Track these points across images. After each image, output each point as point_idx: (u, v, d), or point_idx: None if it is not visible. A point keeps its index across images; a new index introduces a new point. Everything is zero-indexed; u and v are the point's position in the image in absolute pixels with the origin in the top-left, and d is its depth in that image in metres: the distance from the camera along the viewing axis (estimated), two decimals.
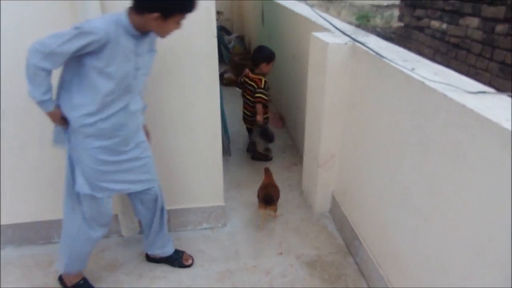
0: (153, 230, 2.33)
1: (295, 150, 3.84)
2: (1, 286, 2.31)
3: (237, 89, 3.77)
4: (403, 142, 1.87)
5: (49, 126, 1.92)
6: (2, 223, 2.53)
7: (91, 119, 1.80)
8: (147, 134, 2.20)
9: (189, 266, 2.45)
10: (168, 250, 2.44)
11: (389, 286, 2.05)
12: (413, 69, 1.80)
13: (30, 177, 2.45)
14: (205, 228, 2.78)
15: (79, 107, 1.79)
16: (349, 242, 2.56)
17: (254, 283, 2.34)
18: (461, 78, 1.71)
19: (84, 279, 2.25)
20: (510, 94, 1.50)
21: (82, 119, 1.80)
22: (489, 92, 1.52)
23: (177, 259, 2.46)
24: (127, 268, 2.45)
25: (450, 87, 1.57)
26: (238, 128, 4.18)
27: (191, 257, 2.50)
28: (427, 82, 1.64)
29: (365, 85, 2.26)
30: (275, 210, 2.79)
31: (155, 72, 2.27)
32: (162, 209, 2.30)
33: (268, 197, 2.69)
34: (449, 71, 1.81)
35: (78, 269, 2.21)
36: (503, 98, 1.49)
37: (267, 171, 2.93)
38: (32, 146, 2.36)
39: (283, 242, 2.66)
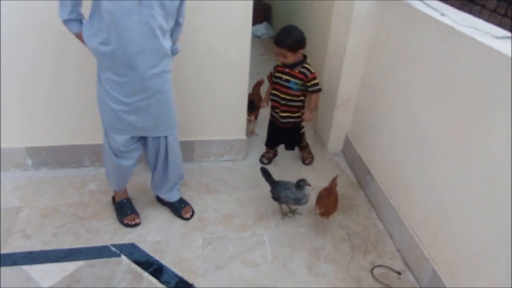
0: (156, 175, 2.40)
1: None
2: (38, 203, 2.50)
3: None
4: (426, 86, 2.04)
5: (87, 52, 2.00)
6: (36, 145, 2.69)
7: (104, 48, 1.85)
8: None
9: (187, 219, 2.47)
10: (171, 197, 2.48)
11: (399, 214, 2.30)
12: (443, 14, 1.94)
13: (65, 101, 2.59)
14: (226, 160, 2.99)
15: (95, 34, 1.85)
16: (361, 177, 2.80)
17: (274, 209, 2.58)
18: (486, 24, 1.87)
19: (128, 199, 2.48)
20: None
21: (97, 46, 1.86)
22: None
23: (178, 209, 2.49)
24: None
25: (478, 31, 1.73)
26: (255, 71, 4.29)
27: (192, 210, 2.52)
28: (456, 27, 1.79)
29: (390, 32, 2.40)
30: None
31: (193, 10, 2.36)
32: (166, 160, 2.30)
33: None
34: (474, 19, 1.96)
35: (118, 187, 2.42)
36: None
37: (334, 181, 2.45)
38: (70, 71, 2.48)
39: (299, 175, 2.86)
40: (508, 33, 1.72)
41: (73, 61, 2.44)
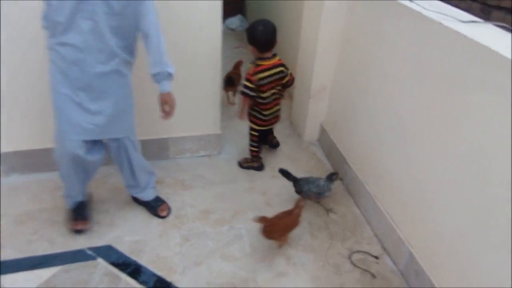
0: (125, 176, 2.36)
1: None
2: (11, 211, 2.41)
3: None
4: (398, 71, 2.05)
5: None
6: (4, 150, 2.59)
7: (51, 42, 1.85)
8: (166, 102, 2.11)
9: (163, 217, 2.44)
10: (146, 195, 2.44)
11: (376, 201, 2.32)
12: (411, 0, 1.94)
13: (32, 104, 2.49)
14: (202, 156, 2.95)
15: (47, 28, 1.85)
16: (338, 166, 2.81)
17: (252, 202, 2.57)
18: (452, 9, 1.88)
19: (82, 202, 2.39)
20: (495, 23, 1.68)
21: (48, 39, 1.86)
22: (478, 21, 1.70)
23: (154, 207, 2.46)
24: None
25: (445, 16, 1.74)
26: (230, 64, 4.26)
27: (168, 208, 2.48)
28: (424, 12, 1.79)
29: (362, 18, 2.39)
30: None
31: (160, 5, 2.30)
32: (130, 161, 2.26)
33: None
34: (442, 4, 1.97)
35: (81, 196, 2.36)
36: (490, 27, 1.67)
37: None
38: (35, 73, 2.38)
39: (276, 167, 2.86)
40: (473, 18, 1.73)
41: (38, 63, 2.35)
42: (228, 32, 5.27)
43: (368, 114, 2.41)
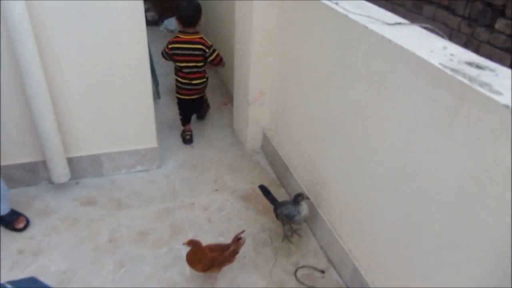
0: None
1: (225, 90, 3.87)
2: None
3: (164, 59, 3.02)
4: (329, 74, 1.98)
5: None
6: None
7: None
8: None
9: (21, 229, 2.28)
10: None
11: (319, 210, 2.23)
12: (336, 3, 1.86)
13: None
14: (140, 171, 2.78)
15: None
16: (281, 174, 2.72)
17: (192, 219, 2.43)
18: (379, 10, 1.82)
19: None
20: (421, 25, 1.63)
21: None
22: (404, 23, 1.64)
23: (10, 222, 2.29)
24: (61, 213, 2.41)
25: (370, 19, 1.66)
26: (166, 70, 4.09)
27: (25, 219, 2.32)
28: (350, 15, 1.72)
29: (292, 19, 2.31)
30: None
31: (73, 11, 2.14)
32: None
33: None
34: (369, 4, 1.91)
35: None
36: (416, 29, 1.62)
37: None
38: None
39: (218, 179, 2.75)
40: (399, 19, 1.67)
41: None
42: (166, 33, 5.08)
43: (303, 119, 2.33)
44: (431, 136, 1.38)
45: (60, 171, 2.47)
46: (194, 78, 2.95)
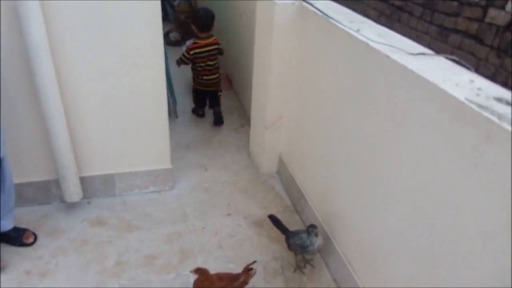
0: None
1: (243, 112, 3.83)
2: None
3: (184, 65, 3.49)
4: (348, 103, 1.91)
5: None
6: None
7: None
8: None
9: (30, 244, 2.28)
10: (5, 225, 2.22)
11: (333, 242, 2.14)
12: (358, 30, 1.81)
13: None
14: (152, 192, 2.74)
15: None
16: (296, 201, 2.63)
17: (202, 244, 2.36)
18: (403, 39, 1.75)
19: None
20: (446, 56, 1.55)
21: None
22: (428, 54, 1.57)
23: (17, 237, 2.27)
24: (70, 234, 2.38)
25: (393, 48, 1.60)
26: (184, 90, 4.09)
27: (33, 234, 2.31)
28: (371, 43, 1.66)
29: (312, 45, 2.26)
30: None
31: (92, 32, 2.15)
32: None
33: None
34: (392, 33, 1.84)
35: None
36: (441, 60, 1.54)
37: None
38: None
39: (231, 203, 2.68)
40: (423, 49, 1.60)
41: None
42: None
43: (319, 147, 2.26)
44: (454, 177, 1.29)
45: (72, 190, 2.45)
46: (212, 74, 3.42)
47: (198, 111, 3.70)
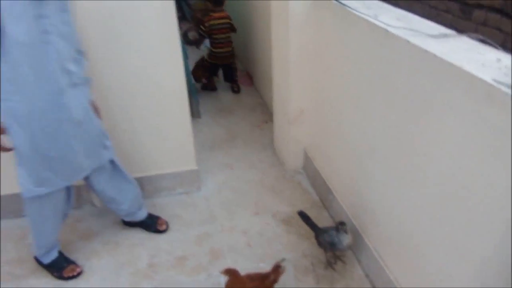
0: (124, 205, 2.31)
1: (265, 108, 3.80)
2: None
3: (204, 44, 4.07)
4: (370, 91, 1.85)
5: None
6: None
7: None
8: (96, 110, 2.04)
9: (163, 231, 2.44)
10: (141, 215, 2.41)
11: (364, 236, 2.09)
12: (376, 16, 1.74)
13: None
14: (180, 193, 2.75)
15: None
16: (323, 196, 2.59)
17: (232, 244, 2.35)
18: (422, 21, 1.68)
19: (59, 252, 2.23)
20: (470, 35, 1.47)
21: None
22: (450, 35, 1.49)
23: (152, 225, 2.44)
24: (103, 237, 2.43)
25: (413, 32, 1.53)
26: (206, 91, 4.11)
27: (166, 222, 2.47)
28: (389, 29, 1.59)
29: (329, 35, 2.20)
30: None
31: (109, 35, 2.17)
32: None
33: None
34: (411, 16, 1.77)
35: (50, 246, 2.18)
36: (464, 40, 1.46)
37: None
38: None
39: (258, 201, 2.66)
40: (444, 30, 1.52)
41: None
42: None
43: (344, 139, 2.20)
44: (482, 161, 1.22)
45: None
46: (225, 47, 3.82)
47: (209, 84, 4.10)
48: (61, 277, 2.17)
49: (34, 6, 1.55)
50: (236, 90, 4.09)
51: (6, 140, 1.79)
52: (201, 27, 3.77)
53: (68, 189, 2.08)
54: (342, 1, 1.99)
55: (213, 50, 3.84)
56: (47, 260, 2.18)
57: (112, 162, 2.15)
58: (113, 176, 2.19)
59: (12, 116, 1.71)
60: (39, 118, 1.73)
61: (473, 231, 1.31)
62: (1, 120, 1.73)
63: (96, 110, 2.02)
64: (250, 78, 4.30)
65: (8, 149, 1.80)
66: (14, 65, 1.60)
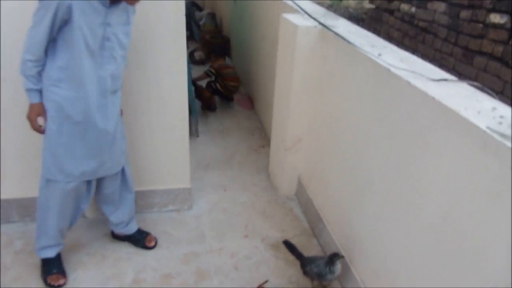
0: (120, 212, 2.35)
1: (264, 133, 3.84)
2: None
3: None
4: (368, 127, 1.89)
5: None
6: None
7: None
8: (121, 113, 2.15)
9: (152, 247, 2.43)
10: (130, 228, 2.41)
11: (351, 267, 2.10)
12: (379, 55, 1.81)
13: None
14: (171, 210, 2.76)
15: None
16: (314, 224, 2.60)
17: (219, 265, 2.35)
18: (425, 64, 1.74)
19: (58, 254, 2.24)
20: (469, 82, 1.53)
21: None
22: (450, 80, 1.55)
23: (141, 240, 2.43)
24: (90, 248, 2.41)
25: (414, 74, 1.59)
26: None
27: (154, 238, 2.47)
28: (392, 69, 1.65)
29: (333, 69, 2.26)
30: None
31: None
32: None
33: None
34: (414, 58, 1.83)
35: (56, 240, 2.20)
36: (463, 86, 1.52)
37: None
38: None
39: (248, 225, 2.67)
40: (445, 75, 1.58)
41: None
42: None
43: (339, 170, 2.24)
44: (476, 203, 1.25)
45: (93, 206, 2.49)
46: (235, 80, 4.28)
47: (207, 106, 4.14)
48: (45, 282, 2.16)
49: (103, 13, 1.72)
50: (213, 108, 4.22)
51: (42, 122, 1.87)
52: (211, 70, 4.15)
53: (88, 184, 2.11)
54: (347, 39, 2.06)
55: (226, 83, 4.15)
56: (43, 254, 2.18)
57: (123, 168, 2.21)
58: (121, 182, 2.26)
59: (53, 100, 1.80)
60: (79, 110, 1.84)
61: (465, 276, 1.33)
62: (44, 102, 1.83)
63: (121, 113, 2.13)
64: (251, 102, 4.36)
65: (42, 131, 1.89)
66: (73, 57, 1.73)
